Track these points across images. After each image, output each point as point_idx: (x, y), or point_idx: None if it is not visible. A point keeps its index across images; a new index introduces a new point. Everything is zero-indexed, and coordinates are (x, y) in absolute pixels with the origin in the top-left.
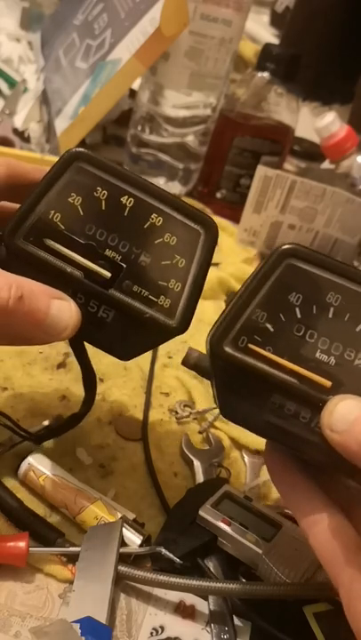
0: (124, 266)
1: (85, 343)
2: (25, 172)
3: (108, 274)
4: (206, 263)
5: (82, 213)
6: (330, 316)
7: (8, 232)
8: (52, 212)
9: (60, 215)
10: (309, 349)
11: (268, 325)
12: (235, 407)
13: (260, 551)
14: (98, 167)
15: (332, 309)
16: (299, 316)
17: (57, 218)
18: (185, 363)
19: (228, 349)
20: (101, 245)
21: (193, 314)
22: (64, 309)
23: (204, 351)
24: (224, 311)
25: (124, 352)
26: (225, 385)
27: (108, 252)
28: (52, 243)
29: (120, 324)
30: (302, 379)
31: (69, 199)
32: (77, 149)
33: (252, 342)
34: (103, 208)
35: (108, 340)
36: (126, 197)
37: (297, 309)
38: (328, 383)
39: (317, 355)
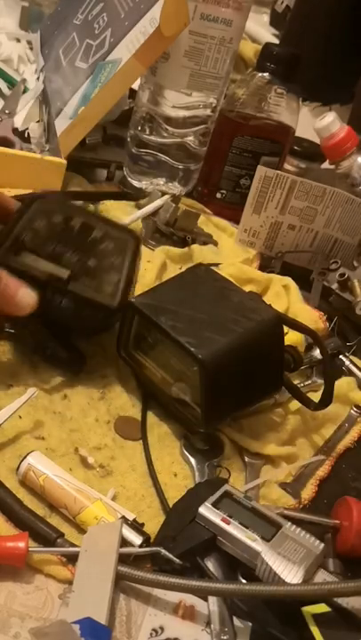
0: (78, 267)
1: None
2: (5, 201)
3: (66, 272)
4: (134, 260)
5: (45, 233)
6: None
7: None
8: (25, 232)
9: (31, 234)
10: None
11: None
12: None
13: (260, 550)
14: (53, 202)
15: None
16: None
17: (27, 236)
18: None
19: (123, 354)
20: (61, 253)
21: (128, 296)
22: (27, 294)
23: None
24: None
25: (83, 330)
26: None
27: (66, 257)
28: (26, 254)
29: (78, 309)
30: None
31: (35, 224)
32: (37, 195)
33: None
34: (60, 229)
35: (70, 322)
36: (74, 220)
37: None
38: None
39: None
